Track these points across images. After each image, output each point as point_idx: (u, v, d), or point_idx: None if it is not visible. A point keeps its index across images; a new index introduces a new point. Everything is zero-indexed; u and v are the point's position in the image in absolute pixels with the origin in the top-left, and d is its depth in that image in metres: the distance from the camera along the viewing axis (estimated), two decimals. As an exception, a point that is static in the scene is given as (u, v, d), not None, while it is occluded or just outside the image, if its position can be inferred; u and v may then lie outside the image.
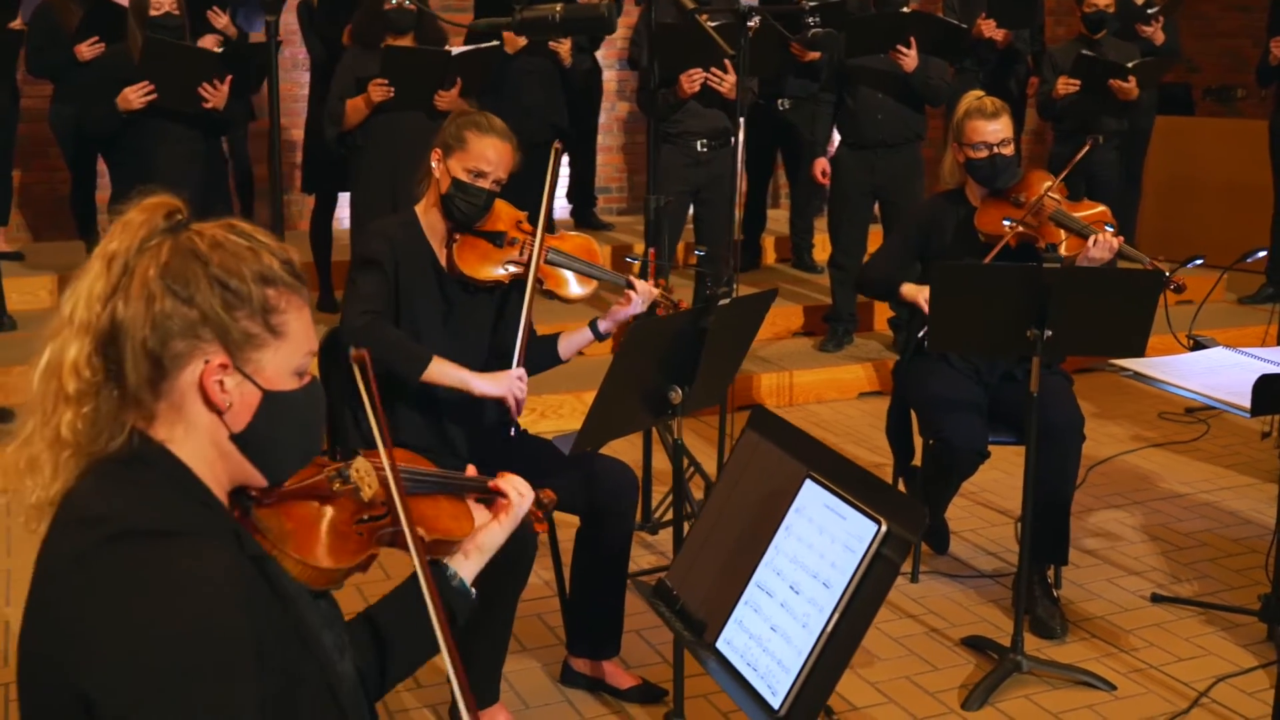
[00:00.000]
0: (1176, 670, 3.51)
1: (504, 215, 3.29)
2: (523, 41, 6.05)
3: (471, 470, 2.09)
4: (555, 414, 5.48)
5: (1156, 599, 3.92)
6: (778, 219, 8.01)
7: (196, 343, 1.46)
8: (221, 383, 1.47)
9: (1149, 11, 6.90)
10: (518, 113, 5.89)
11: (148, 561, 1.35)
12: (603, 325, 3.35)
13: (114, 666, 1.31)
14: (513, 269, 3.25)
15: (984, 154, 3.82)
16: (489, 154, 3.16)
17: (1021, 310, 3.23)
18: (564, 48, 6.24)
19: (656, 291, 3.34)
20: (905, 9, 5.77)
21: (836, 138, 6.23)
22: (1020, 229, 3.75)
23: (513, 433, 3.23)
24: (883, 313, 6.53)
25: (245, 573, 1.41)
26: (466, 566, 1.90)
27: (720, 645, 1.96)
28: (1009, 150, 3.83)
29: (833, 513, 1.88)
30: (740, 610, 1.96)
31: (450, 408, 3.21)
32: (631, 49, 6.47)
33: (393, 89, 5.04)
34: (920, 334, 3.82)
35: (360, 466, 1.72)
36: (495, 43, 5.48)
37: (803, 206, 7.42)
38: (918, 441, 4.11)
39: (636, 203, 8.70)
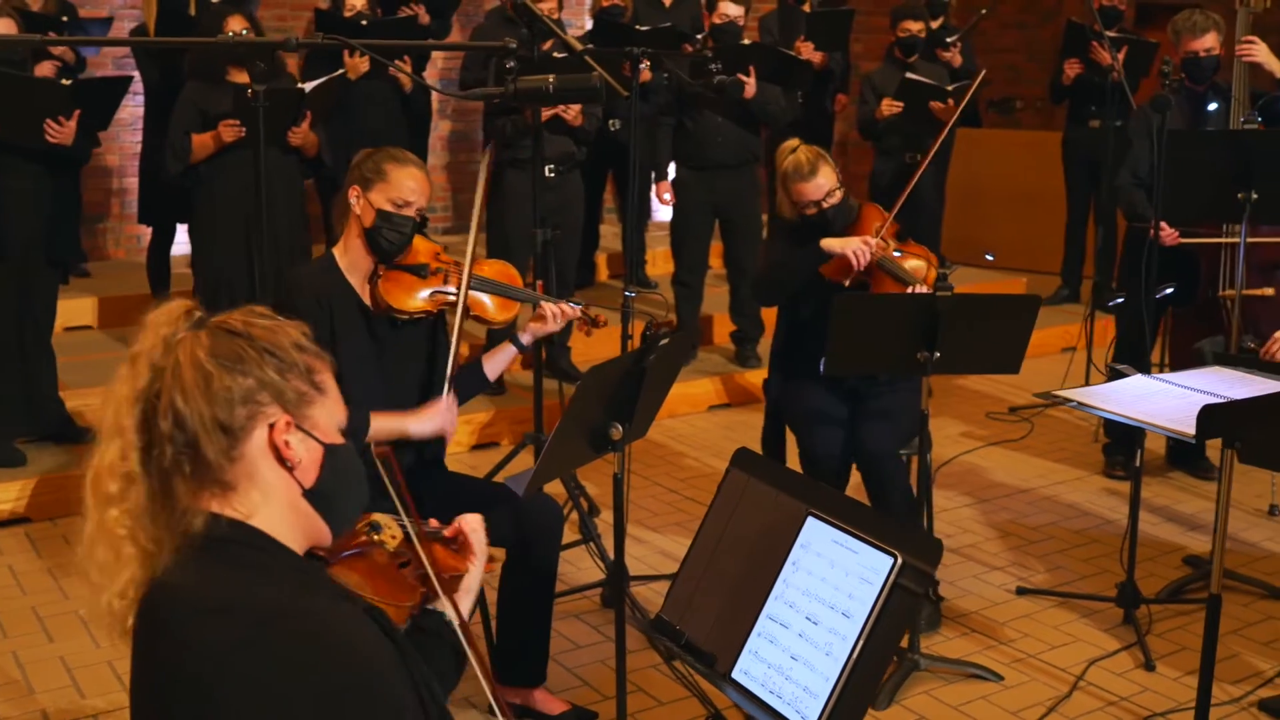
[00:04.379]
0: (1052, 657, 3.83)
1: (423, 248, 3.39)
2: (365, 67, 6.06)
3: (433, 523, 2.21)
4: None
5: (1021, 591, 4.25)
6: (607, 235, 8.17)
7: (258, 407, 1.55)
8: (287, 441, 1.57)
9: (948, 39, 7.36)
10: (362, 137, 5.91)
11: (318, 633, 1.45)
12: (524, 339, 3.50)
13: None
14: (438, 298, 3.36)
15: (814, 211, 4.07)
16: (410, 183, 3.26)
17: (914, 335, 3.48)
18: (403, 75, 6.26)
19: (574, 311, 3.48)
20: (744, 40, 6.03)
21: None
22: (855, 274, 3.98)
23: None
24: (723, 326, 6.77)
25: (372, 627, 1.54)
26: (464, 605, 2.07)
27: (737, 675, 2.11)
28: (836, 198, 4.06)
29: (842, 548, 2.04)
30: (754, 642, 2.10)
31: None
32: (464, 74, 6.54)
33: (245, 129, 4.98)
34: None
35: (382, 520, 1.84)
36: (341, 71, 5.48)
37: (634, 223, 7.60)
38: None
39: (461, 221, 8.75)
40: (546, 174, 5.83)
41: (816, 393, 4.10)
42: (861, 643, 1.95)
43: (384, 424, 3.15)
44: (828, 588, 2.04)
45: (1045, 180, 8.26)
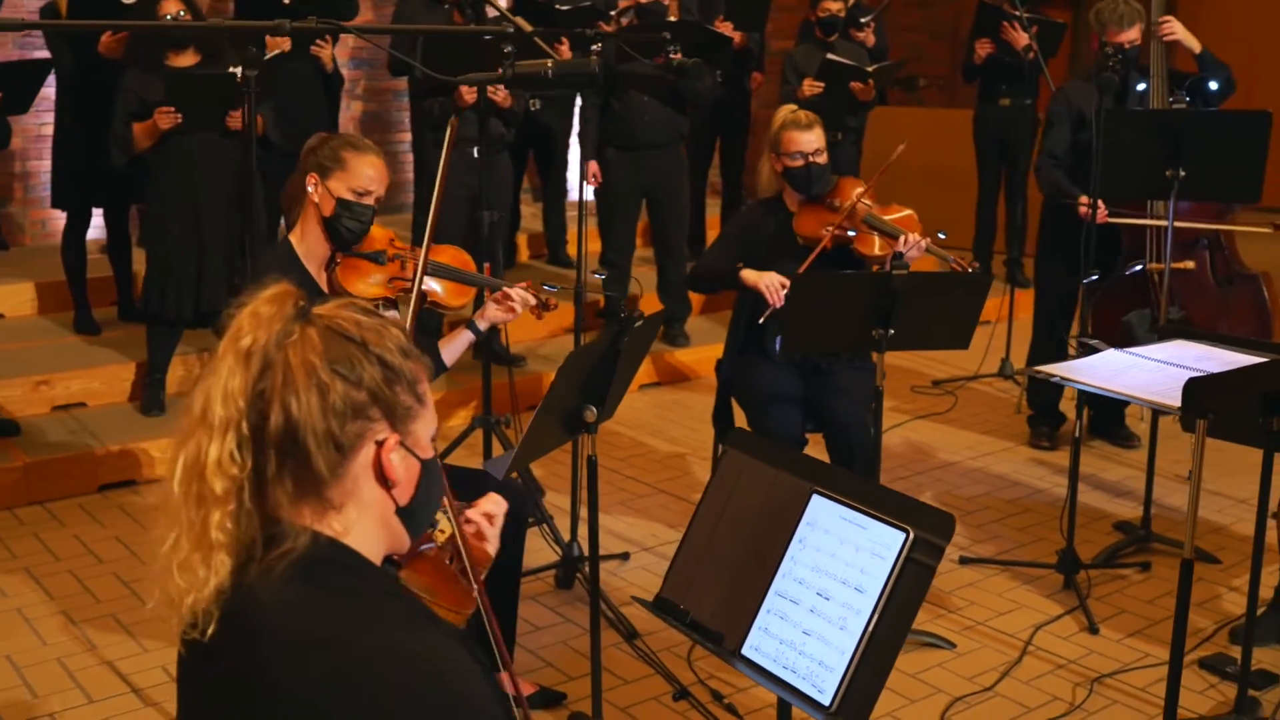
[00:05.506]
0: (999, 624, 3.94)
1: (378, 234, 3.41)
2: (287, 46, 5.94)
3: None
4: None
5: (964, 561, 4.36)
6: (526, 215, 8.14)
7: (368, 423, 1.48)
8: (391, 459, 1.50)
9: (862, 20, 7.46)
10: (284, 119, 5.82)
11: (423, 671, 1.40)
12: (481, 325, 3.53)
13: None
14: (397, 285, 3.39)
15: (800, 163, 4.14)
16: (370, 171, 3.26)
17: (870, 312, 3.55)
18: (325, 53, 6.17)
19: (532, 298, 3.51)
20: (670, 18, 6.05)
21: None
22: (836, 232, 4.08)
23: None
24: (650, 306, 6.79)
25: (464, 653, 1.48)
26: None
27: (747, 651, 2.14)
28: (822, 159, 4.17)
29: (851, 524, 2.09)
30: (764, 618, 2.14)
31: None
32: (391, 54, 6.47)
33: (180, 115, 4.93)
34: (761, 318, 4.05)
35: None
36: (278, 51, 5.39)
37: (555, 203, 7.60)
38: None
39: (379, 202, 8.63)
40: (474, 155, 5.80)
41: (771, 372, 4.16)
42: (876, 616, 1.99)
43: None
44: (838, 563, 2.08)
45: (952, 157, 8.42)
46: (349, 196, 3.21)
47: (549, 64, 2.52)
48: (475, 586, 1.78)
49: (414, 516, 1.56)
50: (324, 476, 1.46)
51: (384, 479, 1.50)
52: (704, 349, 6.42)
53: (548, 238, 7.66)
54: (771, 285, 4.01)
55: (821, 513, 2.14)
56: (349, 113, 8.56)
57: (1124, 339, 4.58)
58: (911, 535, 2.00)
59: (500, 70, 2.47)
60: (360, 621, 1.42)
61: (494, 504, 2.14)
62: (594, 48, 3.62)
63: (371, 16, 8.20)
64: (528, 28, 3.77)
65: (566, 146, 7.60)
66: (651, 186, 6.29)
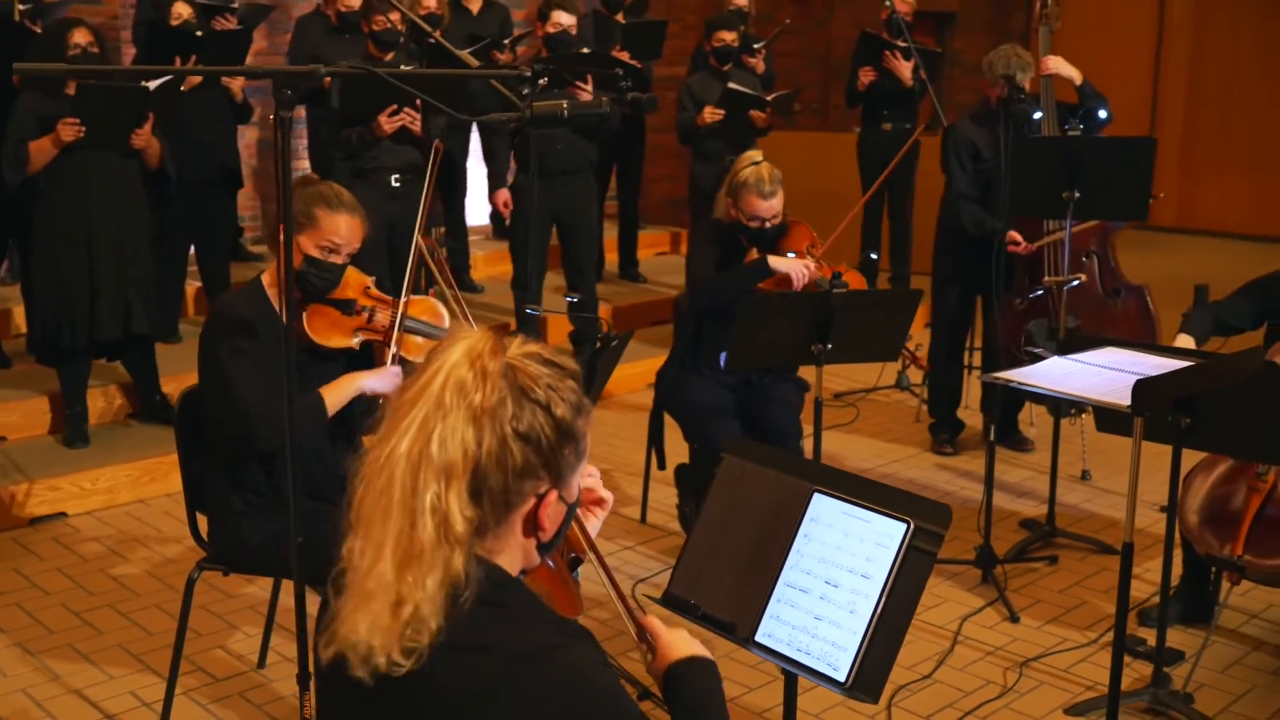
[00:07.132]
0: (929, 617, 4.22)
1: (352, 282, 3.41)
2: (197, 79, 5.99)
3: None
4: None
5: (888, 561, 4.63)
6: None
7: (536, 484, 1.61)
8: (547, 512, 1.63)
9: (755, 46, 7.78)
10: (193, 149, 5.87)
11: (574, 672, 1.55)
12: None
13: None
14: (362, 336, 3.39)
15: (755, 224, 4.35)
16: (341, 229, 3.27)
17: (810, 328, 3.80)
18: (236, 83, 6.23)
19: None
20: (584, 50, 6.26)
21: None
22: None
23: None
24: (561, 327, 6.97)
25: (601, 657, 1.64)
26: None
27: (760, 639, 2.34)
28: (778, 220, 4.37)
29: (853, 518, 2.31)
30: (774, 607, 2.34)
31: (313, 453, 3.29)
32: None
33: (84, 128, 4.90)
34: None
35: None
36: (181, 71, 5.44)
37: (457, 229, 7.74)
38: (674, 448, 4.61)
39: (271, 231, 8.63)
40: (393, 183, 5.92)
41: (704, 386, 4.38)
42: (884, 599, 2.21)
43: (341, 392, 3.24)
44: (844, 554, 2.29)
45: (835, 180, 8.78)
46: (317, 253, 3.24)
47: (564, 105, 2.68)
48: (594, 554, 1.93)
49: (550, 547, 1.71)
50: (489, 526, 1.60)
51: (535, 526, 1.64)
52: (618, 368, 6.60)
53: (451, 263, 7.77)
54: (801, 272, 4.20)
55: (824, 509, 2.35)
56: (243, 140, 8.54)
57: (1027, 346, 4.92)
58: (912, 526, 2.23)
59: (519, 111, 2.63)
60: (508, 628, 1.57)
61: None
62: (541, 81, 3.78)
63: (265, 45, 8.24)
64: (474, 64, 3.93)
65: (466, 173, 7.75)
66: (562, 212, 6.47)
